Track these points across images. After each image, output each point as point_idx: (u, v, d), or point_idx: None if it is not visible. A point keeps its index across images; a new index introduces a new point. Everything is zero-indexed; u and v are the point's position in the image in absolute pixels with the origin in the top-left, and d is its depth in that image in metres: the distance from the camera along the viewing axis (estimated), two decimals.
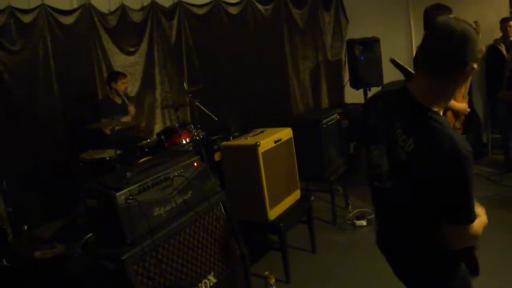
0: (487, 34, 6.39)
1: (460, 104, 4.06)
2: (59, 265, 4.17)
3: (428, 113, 1.75)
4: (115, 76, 5.81)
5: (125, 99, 5.77)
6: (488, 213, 1.94)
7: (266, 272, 3.95)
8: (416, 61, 3.95)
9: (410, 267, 2.06)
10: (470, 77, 2.23)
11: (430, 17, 4.30)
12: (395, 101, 1.97)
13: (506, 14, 6.73)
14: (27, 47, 5.55)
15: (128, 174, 2.93)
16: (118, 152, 4.73)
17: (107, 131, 5.31)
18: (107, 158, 4.90)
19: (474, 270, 2.01)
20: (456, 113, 4.17)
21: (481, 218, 1.85)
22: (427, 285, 2.03)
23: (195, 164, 3.36)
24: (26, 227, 4.95)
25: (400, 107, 1.91)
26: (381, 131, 2.03)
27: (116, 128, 4.76)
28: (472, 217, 1.74)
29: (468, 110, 4.17)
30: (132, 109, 5.88)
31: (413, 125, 1.80)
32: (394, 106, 1.97)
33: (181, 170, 3.21)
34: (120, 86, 5.73)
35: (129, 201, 2.76)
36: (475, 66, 1.71)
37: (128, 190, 2.79)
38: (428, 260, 1.95)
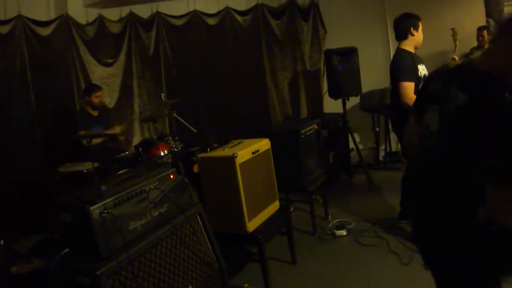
0: (464, 42, 6.48)
1: None
2: (36, 280, 4.10)
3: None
4: (89, 89, 5.78)
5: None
6: None
7: (246, 285, 3.94)
8: None
9: (447, 259, 1.87)
10: None
11: (400, 27, 4.43)
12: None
13: (482, 22, 6.84)
14: (4, 58, 5.53)
15: (103, 187, 2.89)
16: (96, 164, 4.68)
17: (85, 143, 5.27)
18: (84, 171, 4.85)
19: None
20: None
21: None
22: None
23: (172, 176, 3.33)
24: (2, 241, 4.88)
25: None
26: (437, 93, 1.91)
27: (94, 142, 4.74)
28: None
29: None
30: (117, 128, 5.91)
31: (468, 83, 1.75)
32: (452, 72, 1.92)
33: (157, 183, 3.18)
34: (94, 99, 5.69)
35: (103, 215, 2.71)
36: None
37: (103, 204, 2.75)
38: (467, 246, 1.76)
